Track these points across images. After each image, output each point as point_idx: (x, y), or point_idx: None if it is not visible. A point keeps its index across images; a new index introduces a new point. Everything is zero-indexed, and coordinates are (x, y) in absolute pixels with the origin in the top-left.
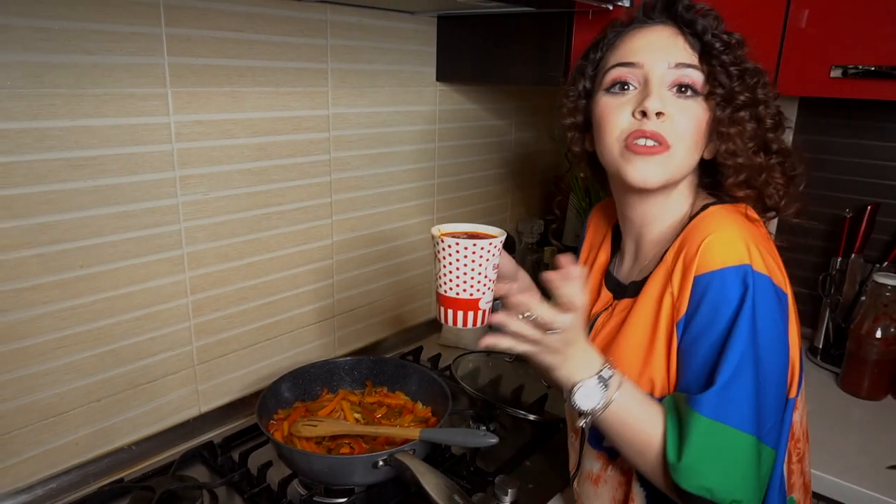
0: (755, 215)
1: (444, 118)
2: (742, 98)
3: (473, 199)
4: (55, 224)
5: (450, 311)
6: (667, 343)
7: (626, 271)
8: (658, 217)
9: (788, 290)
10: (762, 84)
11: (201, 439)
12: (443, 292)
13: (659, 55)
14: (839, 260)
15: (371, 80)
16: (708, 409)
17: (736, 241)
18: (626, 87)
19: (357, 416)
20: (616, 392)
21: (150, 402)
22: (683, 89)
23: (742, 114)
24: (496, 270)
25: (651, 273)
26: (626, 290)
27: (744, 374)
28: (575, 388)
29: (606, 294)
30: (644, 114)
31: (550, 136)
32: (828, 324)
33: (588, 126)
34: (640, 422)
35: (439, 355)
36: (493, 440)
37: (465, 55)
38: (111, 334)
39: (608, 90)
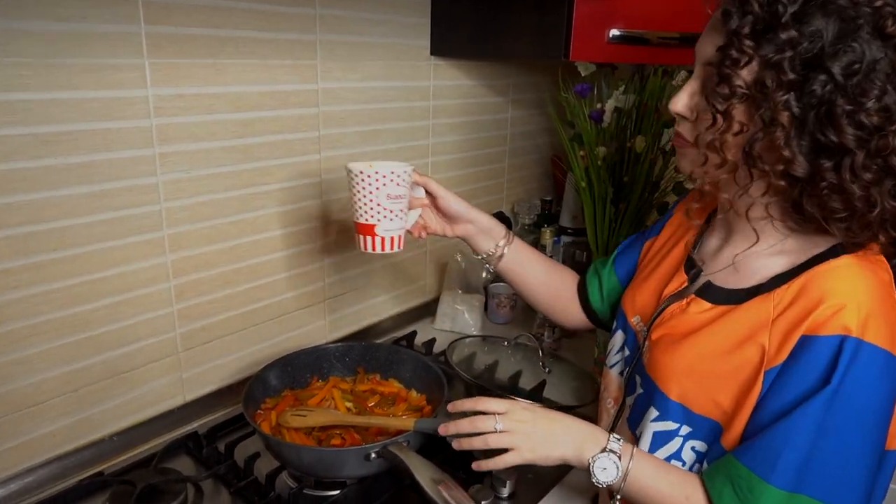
0: (888, 269)
1: (439, 94)
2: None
3: (468, 178)
4: (25, 204)
5: (358, 236)
6: (747, 383)
7: (708, 252)
8: (738, 212)
9: None
10: (773, 79)
11: (186, 429)
12: (354, 218)
13: (701, 46)
14: None
15: (363, 53)
16: (784, 481)
17: (856, 309)
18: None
19: (348, 404)
20: (630, 461)
21: (131, 391)
22: (707, 88)
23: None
24: (395, 200)
25: (749, 293)
26: (708, 290)
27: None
28: (591, 463)
29: (681, 276)
30: None
31: (549, 112)
32: None
33: None
34: (661, 490)
35: (434, 340)
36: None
37: (460, 28)
38: (88, 320)
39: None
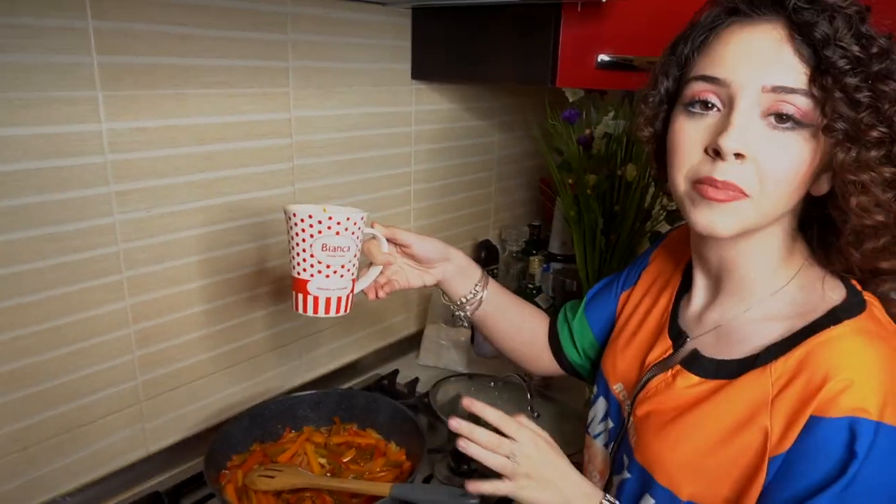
0: None
1: (421, 119)
2: (875, 133)
3: (454, 205)
4: None
5: (292, 292)
6: (749, 471)
7: (692, 314)
8: (741, 265)
9: None
10: None
11: (148, 485)
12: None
13: (752, 71)
14: None
15: (339, 79)
16: None
17: (867, 385)
18: (708, 105)
19: (322, 460)
20: None
21: (88, 447)
22: (783, 119)
23: (874, 153)
24: (334, 254)
25: (742, 366)
26: (694, 361)
27: None
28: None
29: (665, 341)
30: (718, 152)
31: (534, 136)
32: None
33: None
34: None
35: (417, 379)
36: (473, 502)
37: (442, 51)
38: (38, 374)
39: (687, 106)
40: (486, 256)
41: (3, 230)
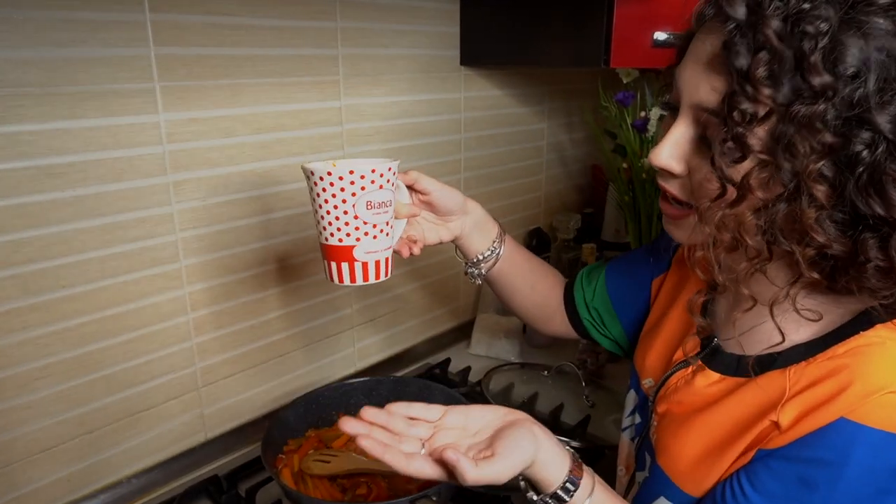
0: None
1: (471, 106)
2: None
3: (504, 193)
4: (31, 240)
5: (329, 264)
6: (733, 459)
7: (722, 313)
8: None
9: None
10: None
11: (207, 469)
12: (320, 240)
13: (687, 83)
14: None
15: (388, 66)
16: None
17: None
18: (675, 108)
19: None
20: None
21: (149, 431)
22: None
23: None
24: (379, 210)
25: (763, 363)
26: (715, 356)
27: None
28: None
29: (694, 340)
30: None
31: (586, 120)
32: None
33: None
34: None
35: (469, 368)
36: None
37: (492, 36)
38: (102, 359)
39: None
40: (537, 244)
41: (67, 220)
